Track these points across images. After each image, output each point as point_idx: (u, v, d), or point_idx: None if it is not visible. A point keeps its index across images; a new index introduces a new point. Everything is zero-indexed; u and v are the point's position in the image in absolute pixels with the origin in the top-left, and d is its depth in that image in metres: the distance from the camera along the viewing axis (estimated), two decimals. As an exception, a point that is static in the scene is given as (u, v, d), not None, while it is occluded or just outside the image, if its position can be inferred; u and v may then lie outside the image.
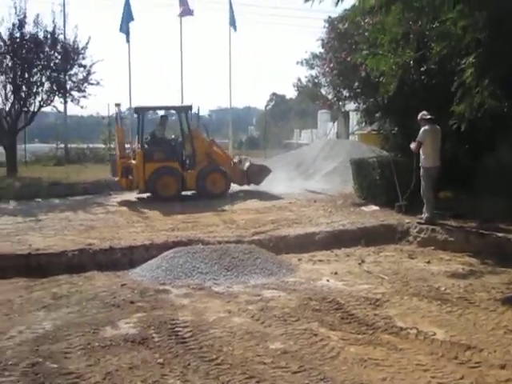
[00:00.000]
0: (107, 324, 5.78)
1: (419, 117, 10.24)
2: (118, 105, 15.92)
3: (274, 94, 72.76)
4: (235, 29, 25.42)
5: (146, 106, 16.29)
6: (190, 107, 15.79)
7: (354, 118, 29.67)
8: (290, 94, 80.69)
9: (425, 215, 10.24)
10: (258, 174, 15.98)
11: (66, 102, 20.97)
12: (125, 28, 24.45)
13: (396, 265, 8.40)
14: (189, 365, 4.69)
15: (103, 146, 27.96)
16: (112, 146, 26.23)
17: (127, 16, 24.02)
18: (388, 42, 9.73)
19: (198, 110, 16.38)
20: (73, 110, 24.13)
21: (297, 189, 16.36)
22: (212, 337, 5.34)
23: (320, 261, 8.66)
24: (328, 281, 7.46)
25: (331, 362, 4.76)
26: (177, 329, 5.57)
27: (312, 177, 18.48)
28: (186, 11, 25.70)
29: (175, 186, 14.75)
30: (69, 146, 27.77)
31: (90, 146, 27.88)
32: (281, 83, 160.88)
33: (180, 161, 15.21)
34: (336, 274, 7.82)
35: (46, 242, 9.35)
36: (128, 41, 24.45)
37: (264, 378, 4.41)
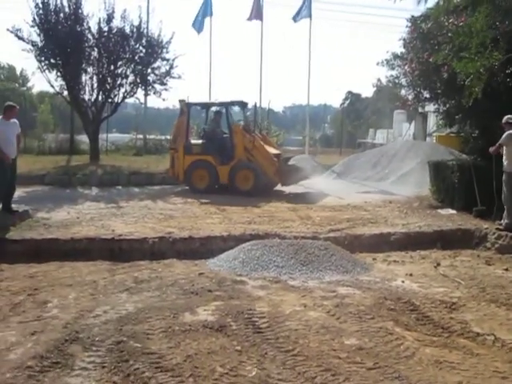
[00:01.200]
0: (186, 310, 6.01)
1: (504, 120, 9.99)
2: (181, 101, 16.20)
3: (349, 92, 72.27)
4: (310, 17, 24.89)
5: (193, 102, 16.71)
6: (241, 103, 16.40)
7: (431, 119, 29.11)
8: (366, 92, 79.68)
9: (505, 221, 9.98)
10: (287, 174, 15.36)
11: (147, 95, 21.62)
12: (198, 23, 24.88)
13: (472, 270, 8.24)
14: (266, 354, 4.84)
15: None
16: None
17: (204, 10, 24.42)
18: (476, 46, 9.53)
19: (255, 105, 16.76)
20: (150, 102, 24.96)
21: (372, 188, 16.24)
22: (288, 329, 5.47)
23: (395, 261, 8.63)
24: (403, 282, 7.44)
25: (406, 361, 4.78)
26: (254, 319, 5.73)
27: (387, 177, 18.28)
28: (256, 15, 25.57)
29: (208, 179, 15.29)
30: (147, 136, 28.60)
31: (168, 137, 28.45)
32: (357, 82, 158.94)
33: (217, 155, 15.35)
34: (411, 275, 7.78)
35: (128, 228, 9.76)
36: (199, 33, 24.96)
37: (339, 371, 4.50)
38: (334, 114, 66.68)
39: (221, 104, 16.59)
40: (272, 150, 15.70)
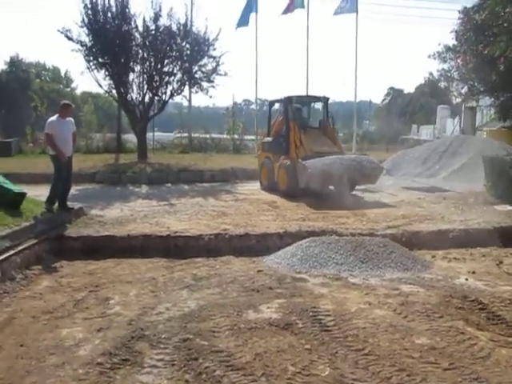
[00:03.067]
0: (249, 307, 5.96)
1: None
2: (282, 99, 15.34)
3: (391, 88, 71.31)
4: (357, 12, 24.51)
5: (275, 99, 16.22)
6: (318, 97, 15.85)
7: (481, 113, 28.44)
8: (409, 88, 78.53)
9: None
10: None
11: (196, 92, 21.59)
12: (245, 19, 24.81)
13: (538, 269, 7.96)
14: (336, 353, 4.74)
15: (227, 136, 28.65)
16: (236, 136, 26.98)
17: (249, 7, 24.36)
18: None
19: (327, 101, 15.51)
20: (192, 100, 24.92)
21: (423, 184, 15.93)
22: (355, 327, 5.36)
23: (455, 259, 8.40)
24: (466, 280, 7.23)
25: (483, 362, 4.62)
26: (319, 317, 5.64)
27: (439, 173, 17.91)
28: (289, 8, 25.24)
29: (267, 176, 15.17)
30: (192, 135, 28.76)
31: (213, 135, 28.63)
32: (400, 78, 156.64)
33: (276, 152, 14.77)
34: (474, 273, 7.55)
35: (182, 225, 9.76)
36: (237, 27, 24.94)
37: (415, 372, 4.37)
38: (375, 110, 65.86)
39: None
40: (325, 149, 14.06)
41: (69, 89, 60.95)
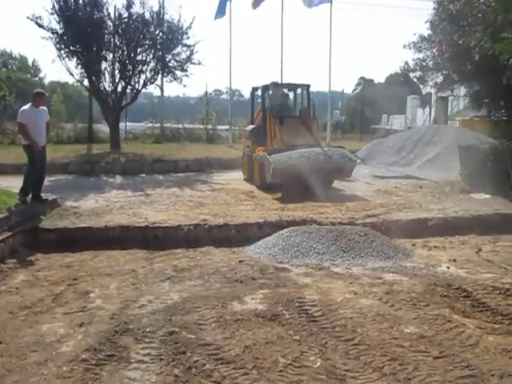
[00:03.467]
0: (234, 299, 5.88)
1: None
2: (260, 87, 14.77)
3: (362, 78, 71.66)
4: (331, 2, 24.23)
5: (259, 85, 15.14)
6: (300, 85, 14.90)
7: (451, 103, 28.75)
8: (380, 78, 79.08)
9: None
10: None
11: (163, 82, 21.32)
12: (221, 9, 24.55)
13: (517, 256, 8.05)
14: (326, 343, 4.69)
15: (199, 125, 28.40)
16: (209, 126, 26.77)
17: None
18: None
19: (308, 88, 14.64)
20: (159, 91, 24.37)
21: (398, 173, 16.02)
22: (343, 317, 5.32)
23: (435, 247, 8.44)
24: (448, 268, 7.27)
25: (472, 349, 4.62)
26: (305, 307, 5.59)
27: (413, 162, 18.04)
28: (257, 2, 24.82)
29: (248, 166, 14.52)
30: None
31: (186, 125, 28.33)
32: (371, 68, 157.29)
33: (256, 142, 13.98)
34: (454, 261, 7.60)
35: (160, 215, 9.61)
36: (216, 18, 24.68)
37: (406, 361, 4.35)
38: (346, 100, 66.13)
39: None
40: (299, 140, 13.09)
41: (37, 78, 59.69)
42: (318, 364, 4.30)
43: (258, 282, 6.51)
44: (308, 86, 14.57)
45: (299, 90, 15.03)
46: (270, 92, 14.33)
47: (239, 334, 4.91)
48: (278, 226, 8.67)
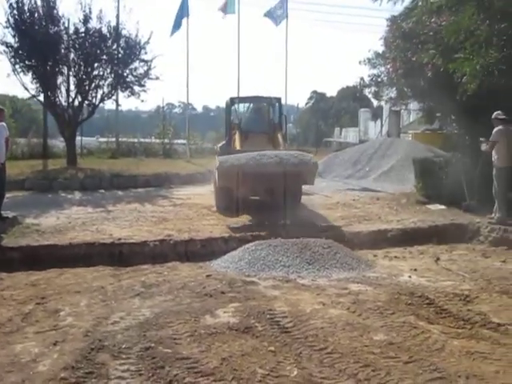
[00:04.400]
0: (206, 313, 5.96)
1: (493, 116, 10.21)
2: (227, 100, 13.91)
3: (314, 91, 72.67)
4: (287, 17, 24.70)
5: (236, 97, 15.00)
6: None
7: (405, 116, 29.55)
8: (331, 92, 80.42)
9: (496, 215, 10.23)
10: None
11: (118, 97, 21.20)
12: (177, 24, 24.67)
13: (472, 263, 8.42)
14: (301, 353, 4.83)
15: (155, 140, 28.31)
16: (165, 140, 26.68)
17: (182, 11, 24.24)
18: (471, 44, 9.71)
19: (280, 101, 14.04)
20: (111, 105, 24.09)
21: (355, 186, 16.40)
22: (314, 327, 5.47)
23: (396, 257, 8.75)
24: (410, 277, 7.55)
25: (438, 353, 4.85)
26: (276, 319, 5.72)
27: (369, 175, 18.51)
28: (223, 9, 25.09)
29: None
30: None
31: (142, 140, 28.18)
32: (324, 81, 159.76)
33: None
34: (415, 270, 7.90)
35: (124, 232, 9.62)
36: (172, 34, 24.74)
37: (378, 367, 4.53)
38: (298, 113, 66.95)
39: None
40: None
41: (-16, 92, 58.22)
42: (295, 373, 4.44)
43: (227, 295, 6.62)
44: (279, 99, 14.02)
45: (265, 103, 14.28)
46: (236, 105, 14.01)
47: (215, 347, 5.00)
48: (243, 240, 8.84)
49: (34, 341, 5.27)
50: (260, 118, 13.91)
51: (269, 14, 24.83)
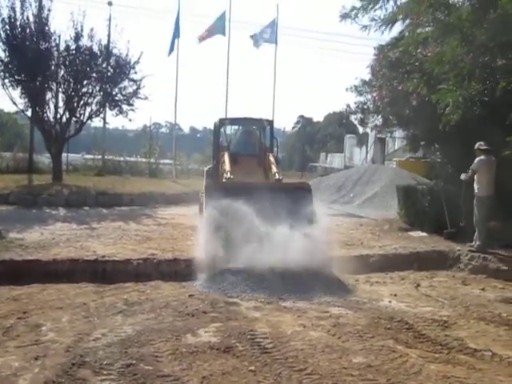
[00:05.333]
0: (187, 332, 6.01)
1: (476, 147, 10.44)
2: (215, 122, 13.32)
3: (301, 116, 73.22)
4: (276, 43, 25.07)
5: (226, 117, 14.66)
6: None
7: (390, 144, 29.93)
8: (318, 117, 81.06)
9: (476, 243, 10.40)
10: None
11: (105, 116, 21.31)
12: (173, 44, 24.78)
13: (452, 290, 8.57)
14: (280, 373, 4.90)
15: (141, 159, 28.37)
16: (152, 160, 26.73)
17: (175, 32, 24.47)
18: (454, 76, 9.97)
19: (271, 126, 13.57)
20: (97, 122, 23.99)
21: (339, 212, 16.55)
22: (294, 349, 5.55)
23: (377, 282, 8.87)
24: (390, 302, 7.67)
25: (415, 377, 4.94)
26: (257, 339, 5.78)
27: (353, 200, 18.72)
28: (204, 37, 25.30)
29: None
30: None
31: (128, 158, 28.22)
32: (310, 107, 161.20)
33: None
34: (395, 295, 8.02)
35: (108, 249, 9.65)
36: (169, 54, 24.86)
37: (356, 389, 4.61)
38: (284, 137, 67.47)
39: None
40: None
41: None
42: (275, 393, 4.51)
43: (209, 315, 6.67)
44: (271, 121, 13.61)
45: (256, 126, 13.58)
46: (225, 127, 13.56)
47: (196, 366, 5.05)
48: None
49: (15, 355, 5.27)
50: (250, 141, 13.29)
51: (253, 37, 25.13)
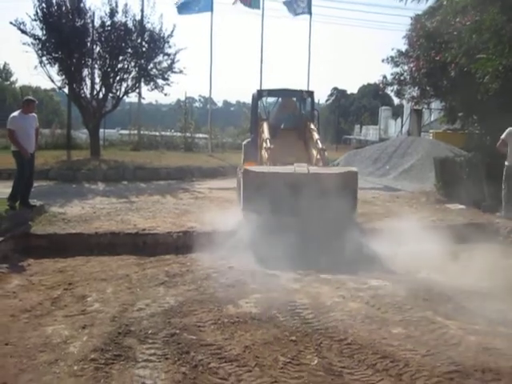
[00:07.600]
0: (228, 302, 6.16)
1: (513, 116, 10.26)
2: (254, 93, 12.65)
3: (335, 88, 72.46)
4: (310, 14, 24.74)
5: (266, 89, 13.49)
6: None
7: (426, 115, 29.47)
8: (352, 89, 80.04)
9: (503, 212, 10.32)
10: None
11: (141, 91, 21.44)
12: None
13: (491, 262, 8.38)
14: (321, 343, 5.00)
15: (176, 133, 28.56)
16: (187, 134, 26.90)
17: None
18: (494, 45, 9.75)
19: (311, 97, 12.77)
20: (132, 97, 24.09)
21: (375, 184, 16.48)
22: (334, 319, 5.64)
23: (415, 254, 8.79)
24: (428, 274, 7.64)
25: (455, 348, 4.98)
26: (297, 310, 5.90)
27: (389, 173, 18.55)
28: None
29: None
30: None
31: (163, 133, 28.44)
32: (345, 79, 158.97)
33: (250, 157, 11.85)
34: (434, 268, 7.97)
35: (148, 222, 9.83)
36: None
37: (396, 358, 4.68)
38: (319, 110, 67.02)
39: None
40: (290, 159, 10.16)
41: (8, 82, 58.90)
42: (316, 362, 4.60)
43: (249, 286, 6.80)
44: (311, 92, 12.80)
45: (297, 97, 12.99)
46: (264, 99, 12.85)
47: (238, 335, 5.19)
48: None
49: (64, 324, 5.51)
50: (290, 113, 12.65)
51: (288, 4, 24.78)
